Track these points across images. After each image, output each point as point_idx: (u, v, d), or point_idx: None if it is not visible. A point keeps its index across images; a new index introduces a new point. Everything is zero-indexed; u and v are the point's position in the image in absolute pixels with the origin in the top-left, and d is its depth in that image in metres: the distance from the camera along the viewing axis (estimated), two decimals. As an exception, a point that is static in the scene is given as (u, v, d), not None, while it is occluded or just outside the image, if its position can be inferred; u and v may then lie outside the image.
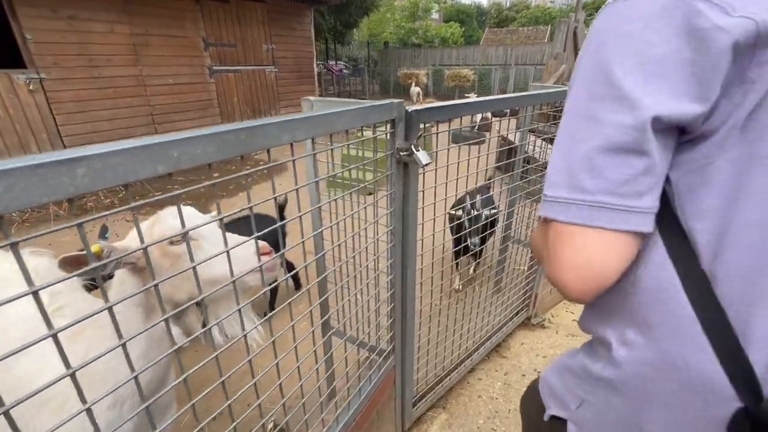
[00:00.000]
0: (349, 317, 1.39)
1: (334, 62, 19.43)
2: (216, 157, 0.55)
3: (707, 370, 0.45)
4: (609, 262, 0.45)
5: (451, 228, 2.39)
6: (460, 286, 2.59)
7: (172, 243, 0.86)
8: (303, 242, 0.79)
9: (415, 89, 11.12)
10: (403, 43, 22.36)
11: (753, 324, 0.43)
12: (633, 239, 0.45)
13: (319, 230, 0.99)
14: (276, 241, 0.78)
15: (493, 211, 2.19)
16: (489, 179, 2.80)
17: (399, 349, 1.40)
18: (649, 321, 0.49)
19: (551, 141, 2.00)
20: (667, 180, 0.45)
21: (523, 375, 2.01)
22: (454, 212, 2.28)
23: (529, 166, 1.94)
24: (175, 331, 1.01)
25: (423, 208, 1.26)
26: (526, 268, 2.26)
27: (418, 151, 1.02)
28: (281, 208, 2.38)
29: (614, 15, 0.44)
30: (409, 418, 1.62)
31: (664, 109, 0.40)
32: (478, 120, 6.84)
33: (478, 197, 2.16)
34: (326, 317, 1.41)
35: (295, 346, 0.89)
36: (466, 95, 10.84)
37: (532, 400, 0.79)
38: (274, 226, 0.74)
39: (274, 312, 0.85)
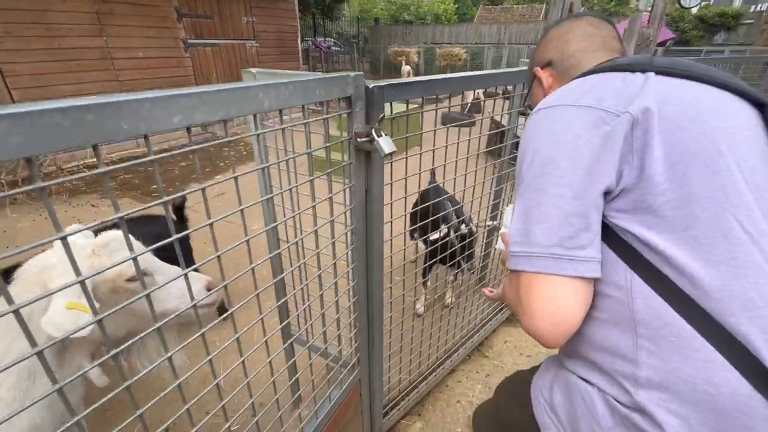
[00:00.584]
0: (311, 324, 1.22)
1: (322, 39, 18.72)
2: (28, 151, 0.36)
3: (737, 387, 0.50)
4: (573, 308, 0.56)
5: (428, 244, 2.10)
6: (423, 309, 2.25)
7: (128, 280, 0.81)
8: (246, 243, 0.61)
9: (405, 68, 10.75)
10: (394, 20, 21.59)
11: (749, 329, 0.50)
12: (585, 284, 0.57)
13: (262, 231, 0.80)
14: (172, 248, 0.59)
15: (467, 228, 1.83)
16: (433, 177, 2.34)
17: (365, 360, 1.24)
18: (660, 348, 0.55)
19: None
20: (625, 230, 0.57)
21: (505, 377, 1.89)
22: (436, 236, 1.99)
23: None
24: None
25: (391, 204, 1.08)
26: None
27: (380, 136, 0.83)
28: (178, 209, 1.92)
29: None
30: (379, 429, 1.48)
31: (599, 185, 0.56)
32: (469, 100, 6.59)
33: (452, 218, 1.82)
34: (285, 322, 1.25)
35: (242, 361, 0.73)
36: (458, 75, 10.51)
37: (513, 397, 0.93)
38: (182, 233, 0.55)
39: (203, 330, 0.67)
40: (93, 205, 3.71)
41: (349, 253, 1.01)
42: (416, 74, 14.05)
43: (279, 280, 1.24)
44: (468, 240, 1.74)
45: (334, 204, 0.92)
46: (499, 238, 1.08)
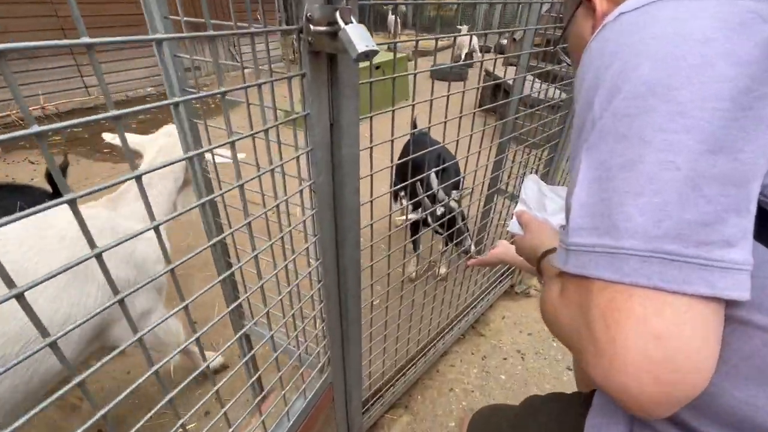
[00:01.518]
0: (266, 313, 0.91)
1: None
2: None
3: None
4: (701, 351, 0.31)
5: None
6: (415, 274, 2.06)
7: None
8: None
9: (391, 17, 9.94)
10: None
11: None
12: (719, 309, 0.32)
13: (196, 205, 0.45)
14: None
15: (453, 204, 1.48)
16: (414, 124, 2.01)
17: (338, 359, 0.95)
18: None
19: (546, 77, 1.46)
20: None
21: (505, 359, 1.66)
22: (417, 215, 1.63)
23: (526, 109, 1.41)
24: None
25: (371, 147, 0.74)
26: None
27: (349, 23, 0.48)
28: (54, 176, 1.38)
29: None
30: (359, 430, 1.23)
31: None
32: (464, 51, 6.09)
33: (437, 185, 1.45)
34: (233, 306, 0.94)
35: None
36: (458, 27, 9.79)
37: None
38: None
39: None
40: (32, 162, 3.22)
41: (308, 221, 0.68)
42: (404, 25, 13.13)
43: (220, 256, 0.92)
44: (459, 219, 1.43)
45: (284, 149, 0.57)
46: (513, 217, 0.78)
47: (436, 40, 0.83)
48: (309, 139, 0.60)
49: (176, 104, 0.57)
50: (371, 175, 0.77)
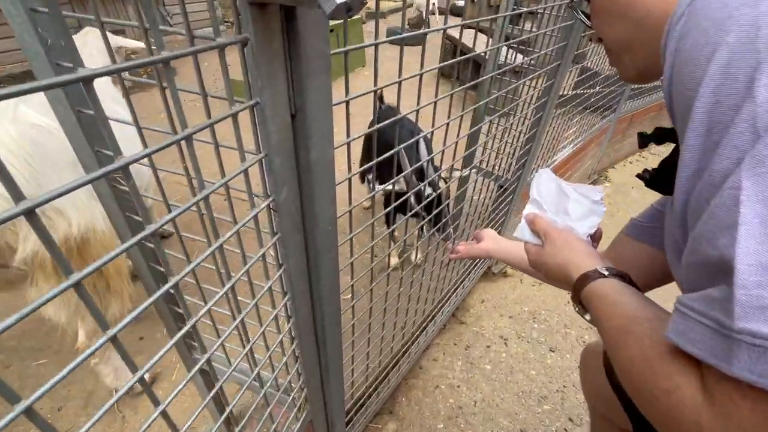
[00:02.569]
0: (230, 372, 0.72)
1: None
2: None
3: None
4: None
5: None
6: (396, 260, 1.90)
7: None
8: None
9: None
10: None
11: None
12: None
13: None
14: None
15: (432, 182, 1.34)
16: (381, 98, 1.83)
17: (316, 392, 0.79)
18: None
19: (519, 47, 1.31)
20: None
21: (488, 346, 1.59)
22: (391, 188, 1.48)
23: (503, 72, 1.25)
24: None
25: (348, 115, 0.56)
26: (490, 204, 1.71)
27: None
28: None
29: None
30: (343, 450, 1.11)
31: None
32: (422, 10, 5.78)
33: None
34: (180, 334, 0.77)
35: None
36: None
37: None
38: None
39: None
40: None
41: (273, 220, 0.49)
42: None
43: (168, 315, 0.70)
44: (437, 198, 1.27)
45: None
46: (522, 220, 0.66)
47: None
48: (261, 140, 0.40)
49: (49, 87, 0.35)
50: (348, 144, 0.59)
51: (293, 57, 0.37)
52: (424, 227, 1.54)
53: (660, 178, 0.51)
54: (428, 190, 1.32)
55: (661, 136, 0.51)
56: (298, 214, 0.49)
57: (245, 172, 0.39)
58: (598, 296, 0.44)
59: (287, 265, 0.51)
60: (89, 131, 0.48)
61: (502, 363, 1.53)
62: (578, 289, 0.48)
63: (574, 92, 1.79)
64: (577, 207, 0.62)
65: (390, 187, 0.75)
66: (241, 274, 0.45)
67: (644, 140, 0.55)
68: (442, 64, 0.65)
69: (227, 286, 0.43)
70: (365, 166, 0.68)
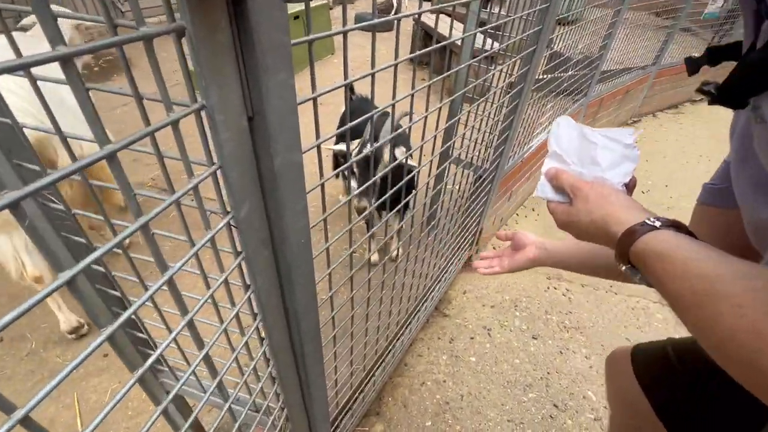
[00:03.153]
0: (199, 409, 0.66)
1: None
2: None
3: None
4: None
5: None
6: (377, 256, 1.88)
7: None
8: None
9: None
10: None
11: None
12: None
13: None
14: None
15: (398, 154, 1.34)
16: (352, 88, 1.84)
17: (298, 413, 0.74)
18: None
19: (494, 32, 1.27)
20: None
21: (472, 338, 1.58)
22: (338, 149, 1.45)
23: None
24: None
25: (317, 114, 0.50)
26: (468, 195, 1.68)
27: None
28: None
29: None
30: (330, 459, 1.07)
31: None
32: None
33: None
34: (144, 369, 0.67)
35: None
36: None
37: None
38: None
39: None
40: None
41: (235, 226, 0.43)
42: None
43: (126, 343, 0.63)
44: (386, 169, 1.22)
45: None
46: (542, 177, 0.58)
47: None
48: (215, 148, 0.34)
49: None
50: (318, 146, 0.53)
51: (245, 49, 0.31)
52: (401, 212, 1.50)
53: (733, 87, 0.40)
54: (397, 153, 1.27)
55: (715, 54, 0.44)
56: (265, 229, 0.43)
57: (195, 188, 0.33)
58: (656, 253, 0.38)
59: (255, 285, 0.46)
60: (5, 142, 0.40)
61: (486, 354, 1.52)
62: (625, 246, 0.42)
63: (547, 77, 1.77)
64: (606, 154, 0.53)
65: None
66: (201, 303, 0.39)
67: (695, 65, 0.47)
68: (419, 52, 0.60)
69: (186, 318, 0.37)
70: (342, 168, 0.62)
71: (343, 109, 1.82)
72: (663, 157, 3.15)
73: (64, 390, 1.31)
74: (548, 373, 1.47)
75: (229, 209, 0.38)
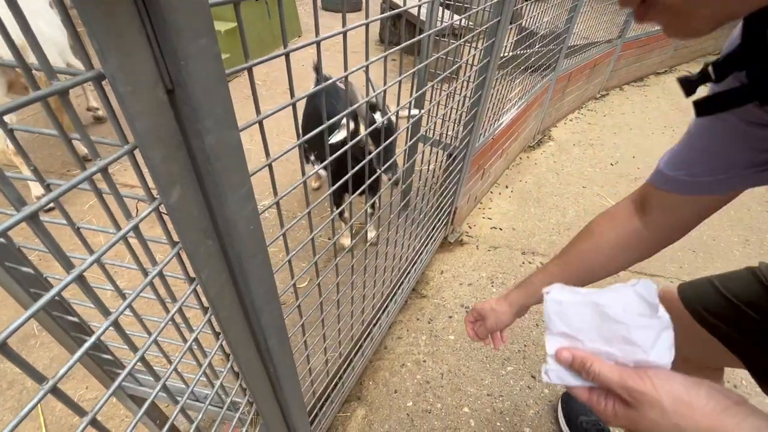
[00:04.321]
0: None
1: None
2: None
3: None
4: None
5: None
6: (350, 241, 1.86)
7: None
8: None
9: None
10: None
11: None
12: None
13: None
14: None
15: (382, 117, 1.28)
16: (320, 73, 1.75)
17: (267, 404, 0.72)
18: None
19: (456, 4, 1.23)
20: None
21: (450, 317, 1.59)
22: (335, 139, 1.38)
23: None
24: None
25: (254, 89, 0.46)
26: (441, 174, 1.67)
27: None
28: None
29: None
30: (311, 448, 1.06)
31: None
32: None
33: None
34: (115, 385, 0.66)
35: None
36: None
37: None
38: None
39: None
40: None
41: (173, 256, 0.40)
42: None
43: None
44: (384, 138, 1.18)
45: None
46: (549, 360, 0.49)
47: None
48: (128, 125, 0.30)
49: None
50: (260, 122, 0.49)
51: (149, 6, 0.27)
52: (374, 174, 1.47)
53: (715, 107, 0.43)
54: (378, 118, 1.23)
55: (721, 68, 0.43)
56: (205, 217, 0.40)
57: (104, 171, 0.29)
58: None
59: (200, 278, 0.42)
60: None
61: (464, 332, 1.54)
62: None
63: (513, 53, 1.75)
64: (646, 333, 0.43)
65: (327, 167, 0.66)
66: (134, 297, 0.35)
67: (692, 85, 0.45)
68: (371, 19, 0.56)
69: (123, 306, 0.34)
70: (307, 144, 0.58)
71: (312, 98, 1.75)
72: (630, 129, 3.23)
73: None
74: (525, 345, 1.50)
75: (156, 195, 0.34)
